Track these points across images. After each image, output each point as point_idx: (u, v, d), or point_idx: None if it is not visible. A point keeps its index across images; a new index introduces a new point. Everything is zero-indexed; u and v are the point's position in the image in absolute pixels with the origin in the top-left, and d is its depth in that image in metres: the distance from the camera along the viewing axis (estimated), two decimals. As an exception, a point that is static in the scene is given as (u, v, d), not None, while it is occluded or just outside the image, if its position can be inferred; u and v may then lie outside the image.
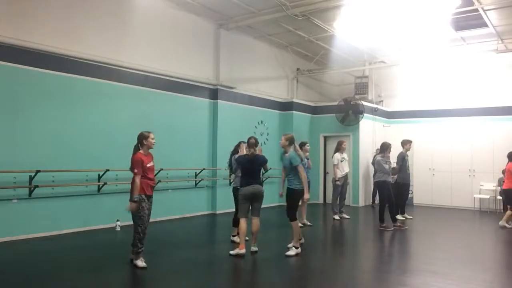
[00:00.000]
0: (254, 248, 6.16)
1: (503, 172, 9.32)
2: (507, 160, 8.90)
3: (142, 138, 5.40)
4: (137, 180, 5.22)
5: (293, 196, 6.27)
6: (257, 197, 6.15)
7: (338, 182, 9.73)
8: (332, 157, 9.97)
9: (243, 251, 5.96)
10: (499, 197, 10.73)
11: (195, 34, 10.11)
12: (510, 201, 8.75)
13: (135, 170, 5.24)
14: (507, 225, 8.73)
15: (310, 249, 7.10)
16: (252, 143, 6.21)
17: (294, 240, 6.21)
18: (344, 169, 9.88)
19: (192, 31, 10.01)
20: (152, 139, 5.42)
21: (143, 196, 5.30)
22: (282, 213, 10.48)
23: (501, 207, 10.73)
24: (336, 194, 9.81)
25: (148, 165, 5.38)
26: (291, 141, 6.30)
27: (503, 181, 9.19)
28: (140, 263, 5.28)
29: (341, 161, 9.80)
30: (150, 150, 5.49)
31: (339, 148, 9.90)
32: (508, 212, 8.78)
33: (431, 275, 5.22)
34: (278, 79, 13.04)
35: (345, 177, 9.91)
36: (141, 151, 5.38)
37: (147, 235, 5.44)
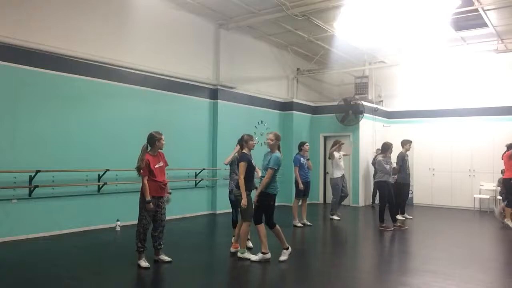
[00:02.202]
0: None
1: (502, 172, 9.34)
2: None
3: (153, 140, 5.43)
4: (144, 181, 5.30)
5: (270, 201, 5.74)
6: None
7: (339, 159, 9.70)
8: (333, 156, 9.85)
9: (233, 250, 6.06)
10: (499, 197, 10.72)
11: (195, 34, 10.11)
12: (509, 191, 8.75)
13: (141, 172, 5.29)
14: (510, 224, 8.71)
15: (310, 249, 7.11)
16: (242, 140, 6.03)
17: (263, 246, 5.72)
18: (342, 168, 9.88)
19: (192, 31, 10.01)
20: (164, 140, 5.48)
21: (150, 198, 5.34)
22: (282, 214, 10.50)
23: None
24: (337, 195, 9.75)
25: (157, 166, 5.42)
26: (279, 139, 5.87)
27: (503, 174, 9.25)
28: (143, 263, 5.29)
29: (339, 159, 9.76)
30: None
31: (335, 146, 9.81)
32: (508, 209, 8.81)
33: (431, 275, 5.21)
34: (278, 79, 13.04)
35: (343, 176, 9.87)
36: (149, 152, 5.42)
37: (162, 234, 5.59)
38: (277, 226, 5.79)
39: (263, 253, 5.72)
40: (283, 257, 5.74)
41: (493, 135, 11.78)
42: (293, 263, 5.79)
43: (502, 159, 9.25)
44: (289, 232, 8.14)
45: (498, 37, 11.14)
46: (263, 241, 5.72)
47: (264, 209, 5.74)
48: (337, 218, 9.68)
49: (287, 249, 5.83)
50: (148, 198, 5.28)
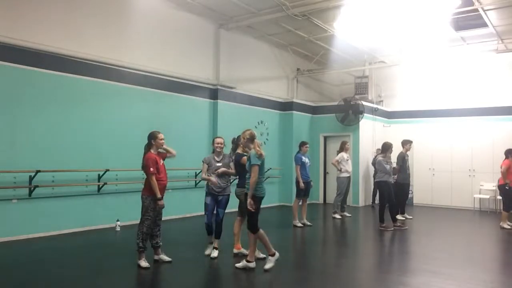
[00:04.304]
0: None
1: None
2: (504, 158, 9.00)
3: (151, 138, 5.47)
4: (154, 178, 5.29)
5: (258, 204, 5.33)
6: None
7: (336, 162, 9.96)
8: (337, 156, 10.13)
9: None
10: (499, 197, 10.71)
11: (195, 34, 10.11)
12: (507, 196, 8.75)
13: (151, 169, 5.27)
14: (506, 226, 8.73)
15: (310, 249, 7.11)
16: (239, 140, 5.95)
17: (268, 250, 5.36)
18: (349, 168, 10.04)
19: (192, 31, 10.01)
20: (161, 139, 5.48)
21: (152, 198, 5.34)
22: (282, 214, 10.50)
23: (501, 207, 10.73)
24: (342, 193, 9.88)
25: (161, 163, 5.44)
26: (251, 137, 5.37)
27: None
28: (143, 263, 5.29)
29: (347, 160, 9.95)
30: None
31: (343, 148, 10.13)
32: (504, 213, 8.82)
33: (431, 275, 5.22)
34: (278, 79, 13.04)
35: (349, 177, 10.03)
36: (151, 151, 5.45)
37: (160, 232, 5.59)
38: (261, 231, 5.31)
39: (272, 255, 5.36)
40: (268, 265, 5.27)
41: (493, 135, 11.79)
42: (293, 263, 5.80)
43: (501, 166, 9.23)
44: (289, 232, 8.16)
45: (498, 37, 11.13)
46: (267, 246, 5.35)
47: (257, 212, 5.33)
48: (339, 217, 9.74)
49: (272, 255, 5.32)
50: (159, 195, 5.29)
